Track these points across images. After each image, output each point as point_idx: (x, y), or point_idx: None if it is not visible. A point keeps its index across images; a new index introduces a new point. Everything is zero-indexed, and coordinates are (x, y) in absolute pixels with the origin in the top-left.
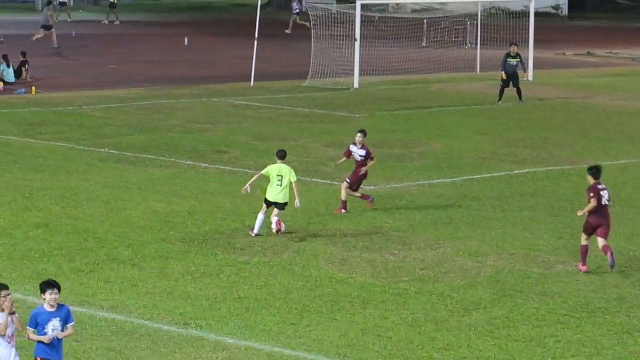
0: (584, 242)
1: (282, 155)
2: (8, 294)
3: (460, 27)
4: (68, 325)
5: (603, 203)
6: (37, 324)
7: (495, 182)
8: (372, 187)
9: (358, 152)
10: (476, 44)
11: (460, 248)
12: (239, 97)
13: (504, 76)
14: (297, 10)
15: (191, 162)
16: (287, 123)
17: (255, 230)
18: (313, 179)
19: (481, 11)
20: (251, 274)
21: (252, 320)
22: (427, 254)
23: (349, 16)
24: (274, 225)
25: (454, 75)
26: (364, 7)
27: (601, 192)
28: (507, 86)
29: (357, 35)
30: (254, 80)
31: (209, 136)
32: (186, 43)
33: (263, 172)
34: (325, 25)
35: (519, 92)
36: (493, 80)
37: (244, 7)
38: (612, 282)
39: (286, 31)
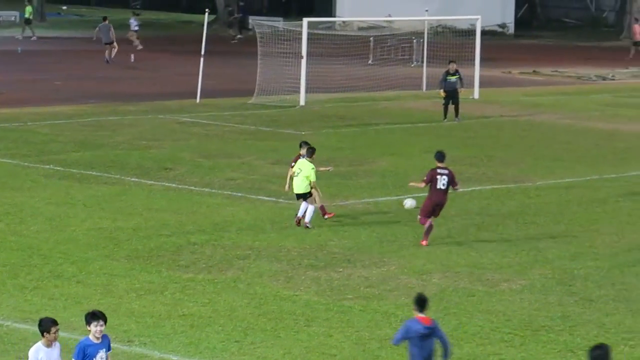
0: (422, 221)
1: (309, 153)
2: (57, 329)
3: (407, 45)
4: (109, 353)
5: (438, 187)
6: (85, 355)
7: None
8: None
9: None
10: (423, 62)
11: (405, 266)
12: (185, 114)
13: (442, 94)
14: (137, 28)
15: (137, 179)
16: (234, 140)
17: (298, 214)
18: (259, 197)
19: (428, 29)
20: (196, 292)
21: (197, 338)
22: (372, 272)
23: (296, 33)
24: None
25: (401, 93)
26: (310, 24)
27: (437, 177)
28: (450, 103)
29: (304, 52)
30: (201, 97)
31: (155, 153)
32: (132, 60)
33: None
34: (272, 43)
35: (457, 109)
36: (439, 98)
37: (191, 25)
38: (556, 301)
39: (138, 47)
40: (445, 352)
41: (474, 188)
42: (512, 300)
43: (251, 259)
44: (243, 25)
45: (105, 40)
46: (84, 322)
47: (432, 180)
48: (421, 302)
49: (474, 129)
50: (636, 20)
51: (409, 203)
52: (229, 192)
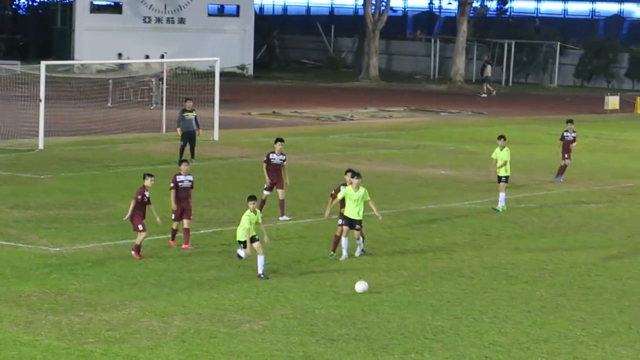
0: (174, 226)
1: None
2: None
3: (146, 87)
4: None
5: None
6: None
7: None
8: (58, 249)
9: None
10: (162, 104)
11: (146, 309)
12: None
13: (179, 132)
14: None
15: None
16: None
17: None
18: None
19: (167, 71)
20: None
21: None
22: (113, 315)
23: (34, 77)
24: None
25: (140, 136)
26: (48, 67)
27: (179, 183)
28: (191, 143)
29: (42, 95)
30: None
31: None
32: None
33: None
34: (10, 86)
35: (192, 150)
36: (178, 140)
37: None
38: (297, 341)
39: None
40: None
41: (214, 229)
42: (254, 341)
43: None
44: None
45: None
46: None
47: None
48: None
49: (214, 170)
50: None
51: (361, 287)
52: None
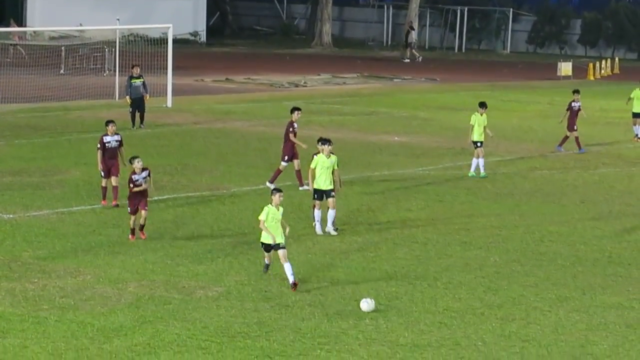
0: (103, 183)
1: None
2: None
3: (99, 54)
4: None
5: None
6: None
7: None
8: (11, 216)
9: (113, 139)
10: (115, 71)
11: (100, 275)
12: None
13: (129, 100)
14: None
15: None
16: None
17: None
18: None
19: (119, 38)
20: None
21: None
22: (67, 282)
23: None
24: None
25: (93, 103)
26: (0, 34)
27: (105, 144)
28: (140, 109)
29: None
30: None
31: None
32: None
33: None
34: None
35: (142, 116)
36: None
37: None
38: (252, 307)
39: None
40: None
41: (168, 196)
42: (209, 308)
43: None
44: None
45: None
46: None
47: None
48: None
49: (167, 137)
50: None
51: (367, 305)
52: None
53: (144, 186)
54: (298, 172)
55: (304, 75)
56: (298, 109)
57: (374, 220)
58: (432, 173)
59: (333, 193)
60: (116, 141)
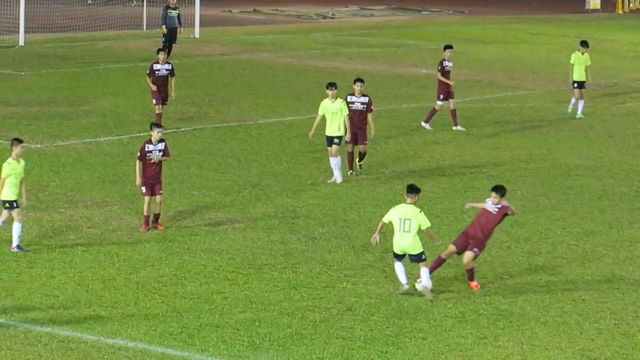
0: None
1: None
2: None
3: None
4: None
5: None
6: None
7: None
8: (39, 145)
9: (164, 67)
10: (143, 1)
11: (127, 206)
12: None
13: (165, 30)
14: None
15: None
16: None
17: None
18: None
19: None
20: None
21: None
22: (94, 212)
23: None
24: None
25: (121, 33)
26: None
27: (155, 71)
28: (171, 41)
29: None
30: None
31: None
32: None
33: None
34: None
35: (170, 48)
36: (159, 37)
37: None
38: (278, 239)
39: None
40: None
41: (195, 127)
42: (235, 239)
43: None
44: None
45: None
46: None
47: None
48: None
49: (195, 68)
50: None
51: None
52: None
53: (154, 160)
54: (453, 111)
55: (332, 7)
56: (449, 46)
57: (401, 153)
58: (460, 106)
59: (337, 140)
60: (166, 70)
